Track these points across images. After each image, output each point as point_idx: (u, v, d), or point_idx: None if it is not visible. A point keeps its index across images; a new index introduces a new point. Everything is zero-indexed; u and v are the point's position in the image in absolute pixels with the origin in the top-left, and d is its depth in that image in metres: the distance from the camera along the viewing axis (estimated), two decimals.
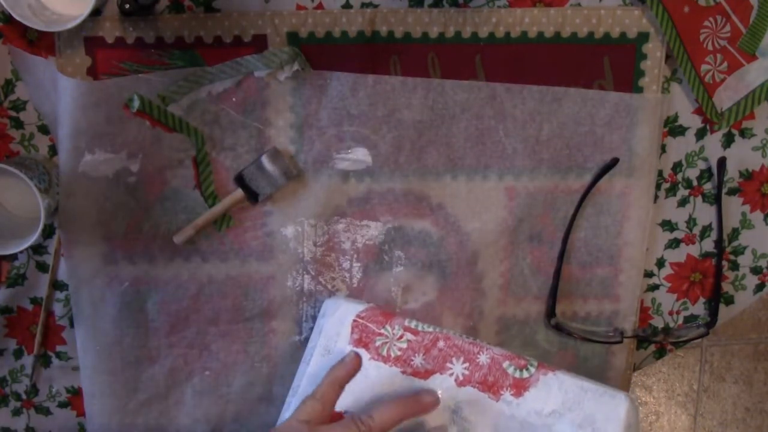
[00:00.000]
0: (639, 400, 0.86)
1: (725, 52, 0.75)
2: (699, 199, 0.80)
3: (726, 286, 0.83)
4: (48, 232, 0.79)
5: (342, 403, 0.71)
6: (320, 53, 0.75)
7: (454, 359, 0.72)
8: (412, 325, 0.73)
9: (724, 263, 0.82)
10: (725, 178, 0.80)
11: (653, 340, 0.84)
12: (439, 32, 0.75)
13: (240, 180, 0.76)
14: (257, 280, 0.79)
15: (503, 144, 0.77)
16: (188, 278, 0.79)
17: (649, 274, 0.83)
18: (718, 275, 0.82)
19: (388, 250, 0.79)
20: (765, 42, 0.75)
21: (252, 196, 0.77)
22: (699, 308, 0.84)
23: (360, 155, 0.77)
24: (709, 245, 0.82)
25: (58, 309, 0.81)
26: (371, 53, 0.75)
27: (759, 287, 0.83)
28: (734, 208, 0.81)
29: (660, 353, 0.85)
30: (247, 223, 0.78)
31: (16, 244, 0.74)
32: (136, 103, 0.73)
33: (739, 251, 0.82)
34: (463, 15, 0.74)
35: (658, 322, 0.84)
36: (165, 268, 0.78)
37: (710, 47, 0.75)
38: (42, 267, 0.80)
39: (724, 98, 0.77)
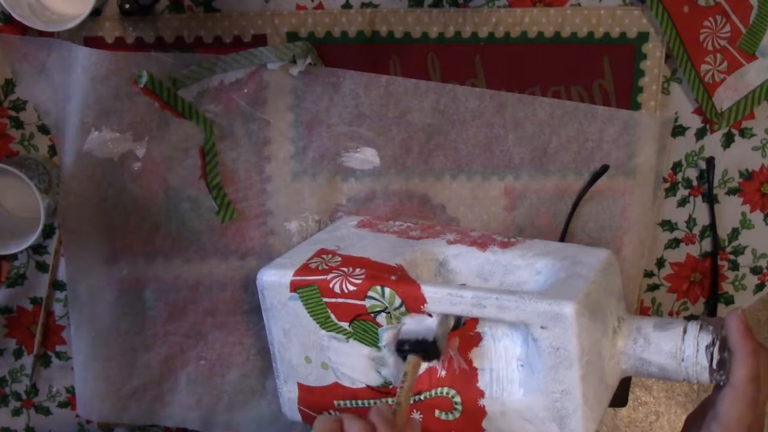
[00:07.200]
0: (639, 400, 0.86)
1: (725, 52, 0.75)
2: (699, 199, 0.80)
3: (726, 286, 0.83)
4: (48, 232, 0.79)
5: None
6: (320, 53, 0.75)
7: (447, 232, 0.74)
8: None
9: (725, 263, 0.82)
10: (725, 178, 0.80)
11: None
12: (438, 32, 0.75)
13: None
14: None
15: (511, 153, 0.77)
16: (188, 270, 0.79)
17: (649, 274, 0.82)
18: (715, 275, 0.82)
19: None
20: (765, 42, 0.75)
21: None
22: (699, 308, 0.84)
23: (368, 155, 0.77)
24: (709, 245, 0.81)
25: (58, 309, 0.81)
26: (371, 53, 0.75)
27: (759, 287, 0.83)
28: (734, 208, 0.81)
29: None
30: (249, 221, 0.78)
31: (16, 244, 0.74)
32: (144, 79, 0.73)
33: (739, 251, 0.82)
34: (462, 15, 0.74)
35: None
36: (165, 263, 0.78)
37: (710, 47, 0.75)
38: (42, 267, 0.80)
39: (724, 98, 0.77)
